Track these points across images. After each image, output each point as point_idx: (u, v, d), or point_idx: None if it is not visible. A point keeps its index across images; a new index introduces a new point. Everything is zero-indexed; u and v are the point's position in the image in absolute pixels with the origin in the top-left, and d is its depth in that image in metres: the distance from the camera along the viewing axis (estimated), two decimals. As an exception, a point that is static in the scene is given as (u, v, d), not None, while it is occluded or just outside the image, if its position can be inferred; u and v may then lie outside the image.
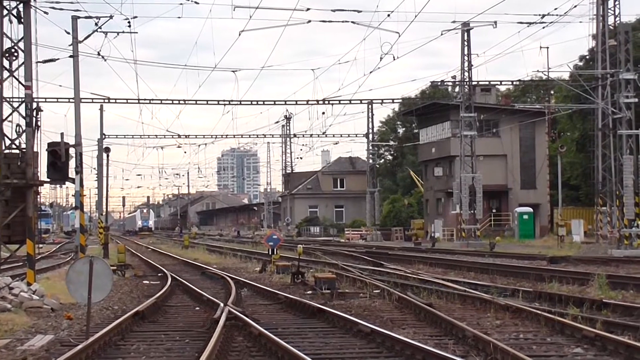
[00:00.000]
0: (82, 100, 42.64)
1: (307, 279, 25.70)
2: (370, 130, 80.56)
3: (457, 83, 60.34)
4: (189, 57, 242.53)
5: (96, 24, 35.56)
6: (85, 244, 34.91)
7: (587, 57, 64.36)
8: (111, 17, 35.63)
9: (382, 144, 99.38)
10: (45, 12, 31.34)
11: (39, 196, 24.65)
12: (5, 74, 22.44)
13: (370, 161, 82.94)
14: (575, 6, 53.08)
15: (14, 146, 22.53)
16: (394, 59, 43.87)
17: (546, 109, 69.95)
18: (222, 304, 17.75)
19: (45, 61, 34.95)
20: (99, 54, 39.09)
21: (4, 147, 22.25)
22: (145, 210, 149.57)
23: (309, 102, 67.50)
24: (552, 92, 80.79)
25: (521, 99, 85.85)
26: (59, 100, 62.01)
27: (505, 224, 69.02)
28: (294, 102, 70.35)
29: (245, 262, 40.84)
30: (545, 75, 60.00)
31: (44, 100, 58.27)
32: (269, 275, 30.16)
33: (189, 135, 79.32)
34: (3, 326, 15.96)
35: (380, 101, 74.53)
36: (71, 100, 48.78)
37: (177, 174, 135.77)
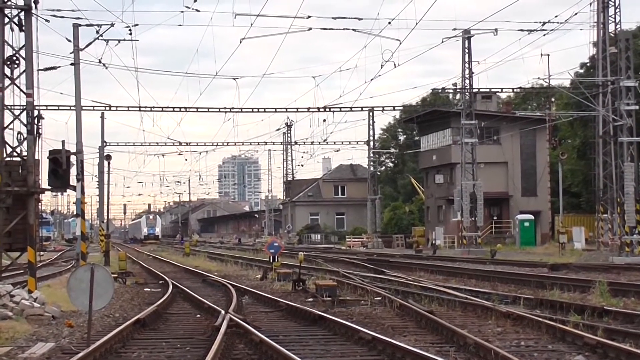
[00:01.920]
0: (84, 108, 42.67)
1: (308, 287, 25.69)
2: (371, 138, 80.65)
3: (457, 90, 60.57)
4: (190, 64, 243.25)
5: (97, 32, 35.61)
6: (86, 251, 34.90)
7: (588, 64, 64.40)
8: (112, 25, 35.69)
9: (383, 151, 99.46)
10: (47, 20, 31.43)
11: (40, 204, 24.68)
12: (7, 81, 22.46)
13: (371, 168, 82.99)
14: (575, 14, 52.96)
15: (15, 154, 22.54)
16: (395, 67, 44.03)
17: (547, 116, 69.99)
18: (223, 312, 17.74)
19: (46, 69, 34.98)
20: (100, 61, 39.20)
21: (5, 155, 22.26)
22: (151, 217, 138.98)
23: (310, 110, 67.69)
24: (552, 99, 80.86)
25: (522, 106, 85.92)
26: (60, 107, 62.20)
27: (506, 232, 69.00)
28: (295, 110, 70.50)
29: (246, 269, 40.82)
30: (546, 82, 60.13)
31: (45, 107, 58.51)
32: (270, 283, 30.15)
33: (190, 143, 79.67)
34: (4, 334, 15.95)
35: (381, 108, 74.76)
36: (72, 107, 48.79)
37: (178, 182, 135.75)
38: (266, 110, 69.21)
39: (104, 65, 39.45)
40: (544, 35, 48.17)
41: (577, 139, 70.41)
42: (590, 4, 48.63)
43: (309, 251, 59.65)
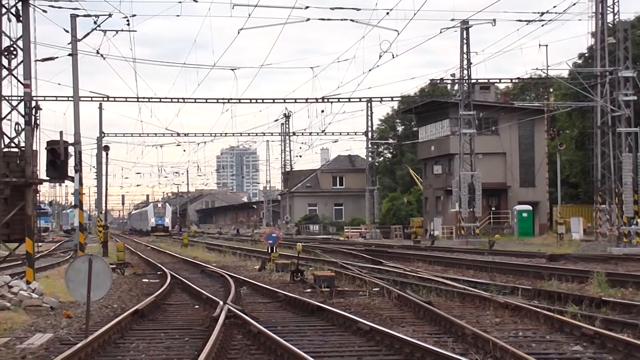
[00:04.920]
0: (81, 99, 42.61)
1: (306, 277, 25.71)
2: (370, 128, 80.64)
3: (456, 81, 60.43)
4: (188, 55, 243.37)
5: (95, 23, 35.55)
6: (84, 242, 34.93)
7: (586, 54, 64.31)
8: (110, 15, 35.61)
9: (382, 142, 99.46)
10: (44, 11, 31.18)
11: (38, 194, 24.65)
12: (4, 72, 22.42)
13: (370, 159, 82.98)
14: (574, 4, 52.75)
15: (13, 145, 22.53)
16: (393, 57, 44.03)
17: (545, 106, 69.96)
18: (221, 302, 17.74)
19: (44, 59, 34.90)
20: (98, 52, 39.10)
21: (3, 146, 22.25)
22: (160, 205, 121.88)
23: (308, 100, 67.61)
24: (551, 89, 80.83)
25: (520, 97, 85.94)
26: (58, 98, 62.16)
27: (504, 222, 69.05)
28: (293, 100, 70.44)
29: (244, 260, 40.84)
30: (544, 73, 59.94)
31: (43, 98, 58.43)
32: (269, 274, 30.18)
33: (188, 134, 79.61)
34: (2, 324, 15.96)
35: (379, 99, 74.75)
36: (70, 98, 48.78)
37: (176, 172, 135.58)
38: (264, 101, 69.13)
39: (101, 56, 39.39)
40: (542, 25, 48.19)
41: (575, 130, 70.37)
42: (589, -6, 48.56)
43: (308, 242, 59.65)
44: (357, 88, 78.15)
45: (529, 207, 65.74)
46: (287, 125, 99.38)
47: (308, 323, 16.13)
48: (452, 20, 53.13)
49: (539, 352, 12.27)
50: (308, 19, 41.20)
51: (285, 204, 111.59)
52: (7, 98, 22.72)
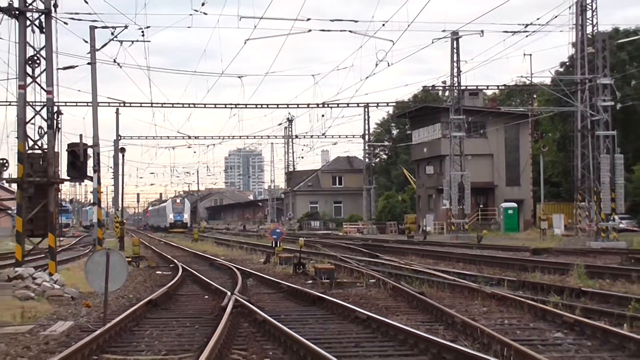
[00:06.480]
0: (100, 104, 42.63)
1: (307, 270, 25.71)
2: (367, 132, 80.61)
3: (447, 88, 60.46)
4: (198, 64, 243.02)
5: (112, 34, 35.62)
6: (102, 237, 34.97)
7: (567, 63, 64.41)
8: (126, 27, 35.68)
9: (378, 144, 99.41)
10: (65, 23, 31.30)
11: (59, 193, 24.66)
12: (29, 80, 22.46)
13: (367, 160, 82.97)
14: (556, 16, 52.92)
15: (36, 147, 22.55)
16: (388, 66, 44.08)
17: (529, 111, 69.96)
18: (229, 293, 17.75)
19: (65, 68, 34.92)
20: (114, 61, 39.18)
21: (27, 148, 22.28)
22: (178, 200, 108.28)
23: (310, 106, 67.63)
24: (535, 96, 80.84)
25: (506, 103, 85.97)
26: (78, 104, 62.18)
27: (491, 219, 69.02)
28: (296, 106, 70.57)
29: (250, 254, 40.83)
30: (528, 80, 60.06)
31: (64, 104, 58.48)
32: (273, 266, 30.16)
33: (198, 137, 79.91)
34: (27, 313, 16.00)
35: (375, 105, 74.72)
36: (89, 104, 48.70)
37: (187, 173, 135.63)
38: (269, 106, 69.13)
39: (118, 64, 39.45)
40: (527, 36, 48.38)
41: (557, 133, 70.41)
42: (570, 7, 48.75)
43: (309, 237, 59.65)
44: (355, 94, 78.38)
45: (514, 205, 65.72)
46: (290, 129, 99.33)
47: (309, 312, 16.14)
48: (443, 31, 53.23)
49: (523, 339, 12.28)
50: (309, 30, 41.23)
51: (289, 201, 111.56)
52: (31, 104, 22.75)
